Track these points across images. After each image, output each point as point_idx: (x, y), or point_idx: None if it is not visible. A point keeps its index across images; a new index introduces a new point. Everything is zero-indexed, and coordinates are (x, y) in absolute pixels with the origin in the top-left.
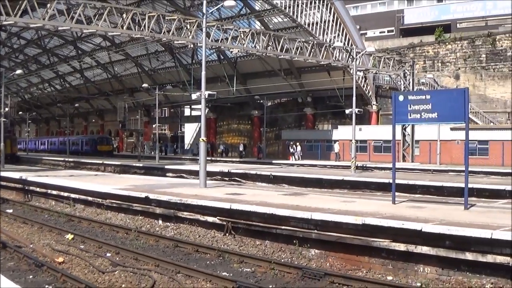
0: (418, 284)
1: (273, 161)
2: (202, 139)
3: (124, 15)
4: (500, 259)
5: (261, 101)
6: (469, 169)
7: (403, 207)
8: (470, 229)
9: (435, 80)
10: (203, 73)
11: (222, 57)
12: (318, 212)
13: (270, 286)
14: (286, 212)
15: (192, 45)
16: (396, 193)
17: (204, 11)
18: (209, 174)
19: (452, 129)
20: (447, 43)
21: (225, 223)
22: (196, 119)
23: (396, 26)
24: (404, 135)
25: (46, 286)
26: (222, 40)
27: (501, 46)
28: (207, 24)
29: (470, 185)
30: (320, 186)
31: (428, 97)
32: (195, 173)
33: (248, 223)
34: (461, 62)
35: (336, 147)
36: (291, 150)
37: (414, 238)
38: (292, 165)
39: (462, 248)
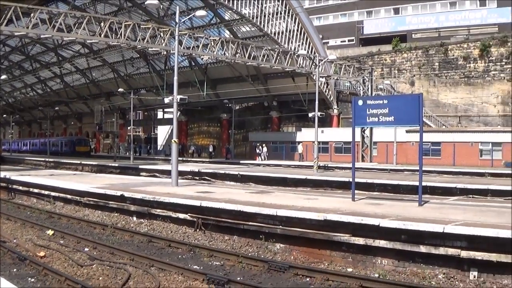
0: (376, 275)
1: (241, 161)
2: (174, 141)
3: (102, 24)
4: (451, 251)
5: (230, 105)
6: (423, 168)
7: (362, 204)
8: (424, 224)
9: (392, 86)
10: (175, 78)
11: (193, 64)
12: (283, 209)
13: (238, 278)
14: (253, 209)
15: (165, 52)
16: (356, 191)
17: (177, 20)
18: (181, 174)
19: (407, 131)
20: (403, 52)
21: (195, 219)
22: (168, 121)
23: (356, 35)
24: (363, 137)
25: (29, 279)
26: (194, 48)
27: (453, 55)
28: (180, 32)
29: (424, 183)
30: (285, 185)
31: (385, 102)
32: (167, 173)
33: (217, 219)
34: (416, 69)
35: (300, 148)
36: (258, 151)
37: (372, 233)
38: (259, 165)
39: (416, 241)
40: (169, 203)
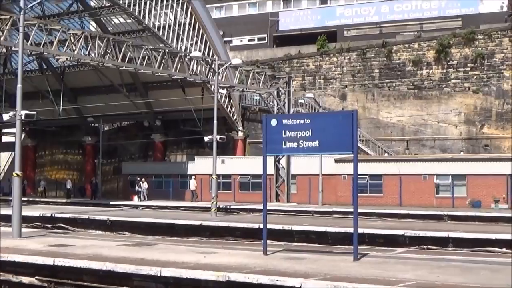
0: None
1: (112, 202)
2: (17, 174)
3: None
4: None
5: (96, 125)
6: (359, 210)
7: (277, 258)
8: (363, 285)
9: (316, 101)
10: (19, 86)
11: (46, 67)
12: (170, 267)
13: None
14: (127, 267)
15: (4, 50)
16: (269, 241)
17: (22, 5)
18: (26, 220)
19: (337, 161)
20: (331, 55)
21: (46, 284)
22: (9, 147)
23: (269, 32)
24: (277, 169)
25: None
26: (46, 44)
27: (399, 59)
28: (26, 22)
29: (360, 230)
30: (172, 234)
31: (307, 121)
32: (6, 219)
33: (77, 283)
34: (348, 78)
35: (193, 184)
36: (137, 187)
37: None
38: (136, 207)
39: None
40: (8, 262)
